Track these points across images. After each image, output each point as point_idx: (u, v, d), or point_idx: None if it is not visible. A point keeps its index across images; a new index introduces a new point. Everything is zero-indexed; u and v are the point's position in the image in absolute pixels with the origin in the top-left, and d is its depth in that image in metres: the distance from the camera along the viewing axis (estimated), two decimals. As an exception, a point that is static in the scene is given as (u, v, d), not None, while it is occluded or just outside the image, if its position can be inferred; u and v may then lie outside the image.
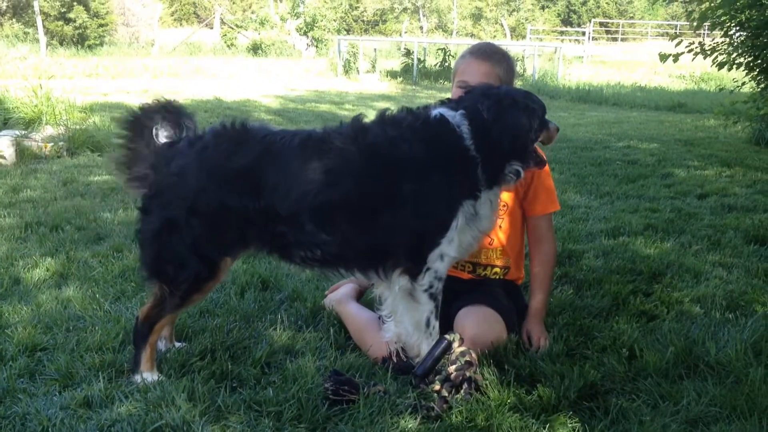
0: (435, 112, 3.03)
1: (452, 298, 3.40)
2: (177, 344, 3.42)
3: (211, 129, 3.10)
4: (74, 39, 29.56)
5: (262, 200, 2.94)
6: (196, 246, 2.99)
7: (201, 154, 3.00)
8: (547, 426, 2.73)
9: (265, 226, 2.99)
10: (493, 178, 3.03)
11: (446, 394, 2.84)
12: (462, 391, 2.87)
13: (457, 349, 2.95)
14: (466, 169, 2.98)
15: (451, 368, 2.89)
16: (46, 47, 25.68)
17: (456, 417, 2.75)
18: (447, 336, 2.98)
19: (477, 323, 3.28)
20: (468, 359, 2.92)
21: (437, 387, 2.87)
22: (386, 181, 2.95)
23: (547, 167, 3.61)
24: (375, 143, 2.97)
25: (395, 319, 3.14)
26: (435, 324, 3.10)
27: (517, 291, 3.79)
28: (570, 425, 2.76)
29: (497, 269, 3.68)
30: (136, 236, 3.11)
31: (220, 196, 2.94)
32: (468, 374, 2.89)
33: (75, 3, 29.94)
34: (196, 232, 2.97)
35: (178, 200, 2.97)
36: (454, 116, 2.99)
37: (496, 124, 2.97)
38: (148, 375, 3.05)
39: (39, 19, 25.97)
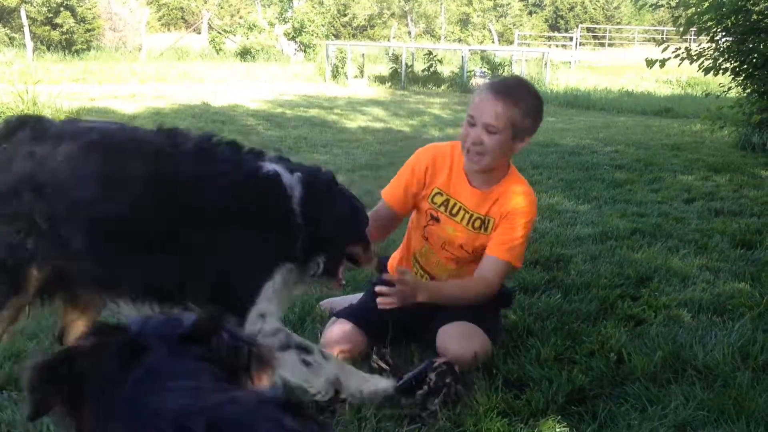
0: (270, 167, 2.74)
1: (432, 311, 3.33)
2: None
3: None
4: (61, 44, 29.38)
5: (41, 199, 2.55)
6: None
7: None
8: (536, 430, 2.73)
9: (46, 231, 2.59)
10: (306, 257, 2.80)
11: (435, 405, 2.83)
12: (441, 395, 2.85)
13: (438, 360, 2.98)
14: (287, 232, 2.73)
15: (432, 374, 2.89)
16: (33, 52, 25.54)
17: (444, 422, 2.75)
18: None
19: (458, 341, 3.23)
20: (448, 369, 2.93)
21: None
22: (184, 221, 2.63)
23: (530, 217, 3.38)
24: (179, 174, 2.63)
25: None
26: (313, 357, 2.76)
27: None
28: (558, 430, 2.76)
29: None
30: None
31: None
32: (447, 380, 2.88)
33: (62, 8, 29.78)
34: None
35: None
36: (290, 177, 2.74)
37: (326, 205, 2.79)
38: None
39: (26, 24, 25.85)
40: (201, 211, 2.63)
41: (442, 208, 3.42)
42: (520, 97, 3.20)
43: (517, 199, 3.35)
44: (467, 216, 3.39)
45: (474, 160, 3.23)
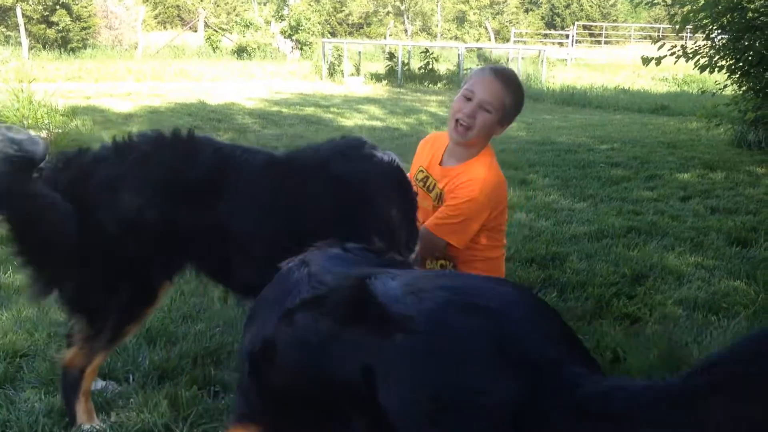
0: (385, 155, 2.97)
1: None
2: (99, 383, 3.07)
3: (144, 135, 2.75)
4: (57, 42, 29.34)
5: (214, 216, 2.66)
6: (129, 269, 2.63)
7: (141, 164, 2.63)
8: (531, 429, 2.73)
9: (210, 246, 2.70)
10: None
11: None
12: None
13: None
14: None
15: None
16: (29, 50, 25.51)
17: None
18: None
19: None
20: None
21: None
22: (354, 216, 2.81)
23: (472, 197, 3.42)
24: (343, 178, 2.83)
25: None
26: None
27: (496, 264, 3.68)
28: (554, 428, 2.76)
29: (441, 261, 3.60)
30: None
31: (167, 211, 2.60)
32: None
33: (57, 6, 29.71)
34: (130, 253, 2.61)
35: (108, 218, 2.57)
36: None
37: None
38: (88, 427, 2.74)
39: (21, 23, 25.80)
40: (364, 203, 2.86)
41: (421, 184, 3.56)
42: (515, 86, 3.44)
43: (468, 179, 3.41)
44: (438, 192, 3.53)
45: (460, 132, 3.39)
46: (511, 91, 3.37)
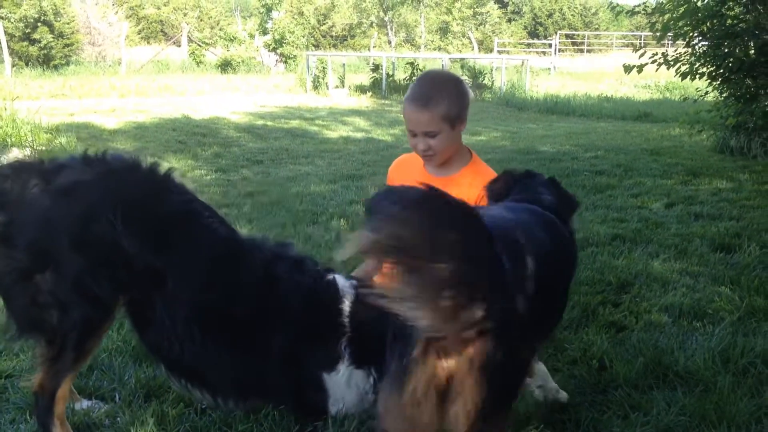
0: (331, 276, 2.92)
1: None
2: (85, 403, 3.04)
3: (117, 156, 2.70)
4: (40, 59, 29.28)
5: (158, 259, 2.59)
6: (79, 283, 2.49)
7: (106, 177, 2.59)
8: (519, 440, 2.74)
9: (143, 285, 2.61)
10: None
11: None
12: None
13: None
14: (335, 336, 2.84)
15: None
16: (12, 68, 25.41)
17: None
18: None
19: None
20: None
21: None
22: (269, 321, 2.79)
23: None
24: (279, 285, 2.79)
25: None
26: None
27: None
28: (542, 439, 2.77)
29: None
30: None
31: (116, 231, 2.49)
32: None
33: (39, 23, 29.64)
34: (78, 266, 2.49)
35: (58, 225, 2.47)
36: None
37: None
38: None
39: (3, 40, 25.70)
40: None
41: None
42: (438, 94, 3.24)
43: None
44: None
45: (430, 162, 3.46)
46: (437, 103, 3.21)
